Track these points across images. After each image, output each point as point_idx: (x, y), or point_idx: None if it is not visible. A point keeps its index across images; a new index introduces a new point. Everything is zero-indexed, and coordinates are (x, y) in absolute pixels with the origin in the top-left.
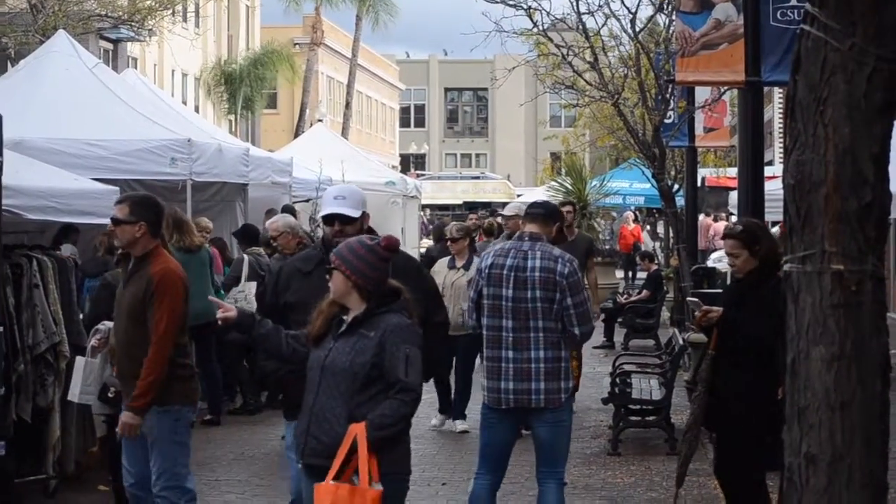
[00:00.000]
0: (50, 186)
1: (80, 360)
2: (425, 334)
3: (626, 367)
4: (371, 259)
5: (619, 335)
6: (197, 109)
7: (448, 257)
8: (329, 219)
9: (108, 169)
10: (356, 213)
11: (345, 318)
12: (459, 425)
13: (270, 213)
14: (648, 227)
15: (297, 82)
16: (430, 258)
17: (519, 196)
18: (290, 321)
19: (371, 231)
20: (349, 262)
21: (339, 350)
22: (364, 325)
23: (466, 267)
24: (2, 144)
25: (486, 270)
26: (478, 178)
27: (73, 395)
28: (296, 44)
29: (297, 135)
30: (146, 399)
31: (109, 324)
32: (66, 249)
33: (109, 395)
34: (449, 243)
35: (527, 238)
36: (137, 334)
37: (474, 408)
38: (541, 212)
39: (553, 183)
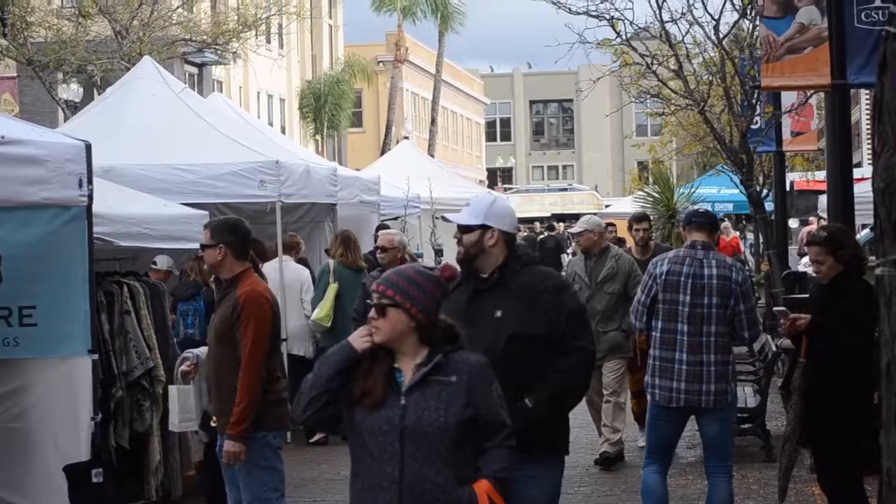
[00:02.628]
0: (140, 213)
1: (173, 389)
2: (563, 360)
3: None
4: (436, 292)
5: None
6: (283, 130)
7: None
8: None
9: (198, 193)
10: (470, 222)
11: (397, 366)
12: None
13: (381, 228)
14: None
15: (382, 99)
16: None
17: (607, 206)
18: None
19: (513, 250)
20: (411, 296)
21: (420, 406)
22: (439, 372)
23: None
24: (91, 172)
25: (663, 277)
26: (565, 189)
27: (174, 424)
28: (379, 61)
29: (383, 153)
30: (243, 425)
31: (198, 350)
32: (162, 262)
33: (212, 423)
34: None
35: (699, 247)
36: (225, 357)
37: None
38: (705, 220)
39: (641, 192)
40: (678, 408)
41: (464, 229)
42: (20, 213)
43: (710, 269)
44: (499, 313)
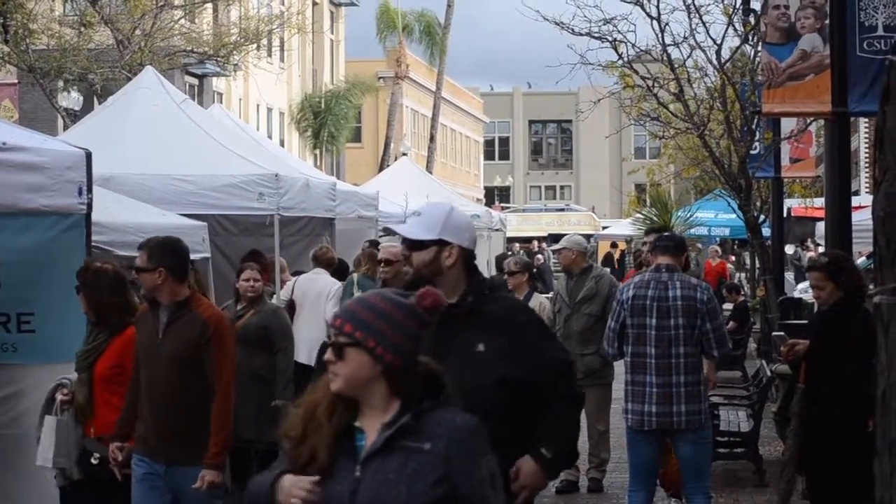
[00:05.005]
0: (139, 222)
1: (50, 420)
2: (558, 407)
3: (714, 399)
4: (411, 326)
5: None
6: (282, 144)
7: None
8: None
9: (196, 204)
10: (422, 236)
11: (358, 424)
12: None
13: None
14: (733, 259)
15: (382, 115)
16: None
17: (605, 228)
18: None
19: (474, 272)
20: (377, 332)
21: (378, 480)
22: (409, 435)
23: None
24: (91, 180)
25: (629, 301)
26: (563, 210)
27: (46, 459)
28: (380, 77)
29: (381, 168)
30: (224, 454)
31: (70, 376)
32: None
33: (93, 461)
34: (506, 277)
35: (664, 269)
36: (187, 384)
37: None
38: (671, 244)
39: (639, 214)
40: (651, 431)
41: (414, 245)
42: (20, 220)
43: (675, 290)
44: (481, 347)
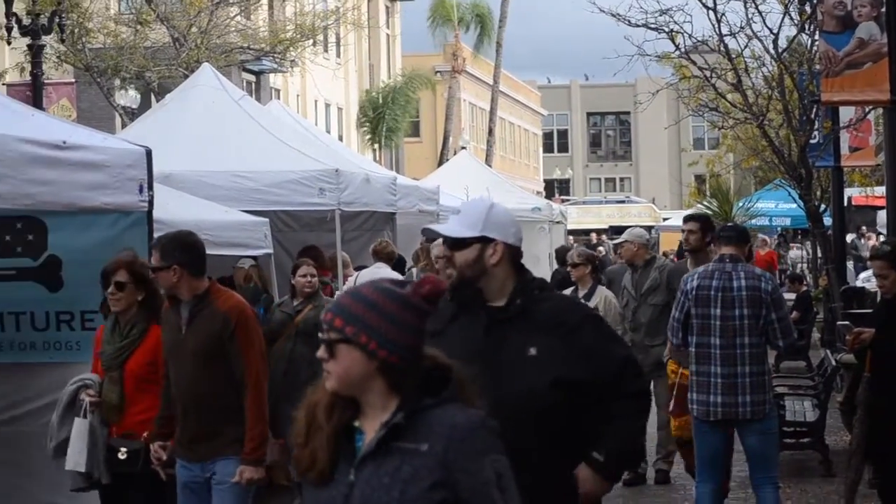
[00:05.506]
0: (200, 219)
1: (80, 423)
2: (622, 405)
3: (779, 389)
4: (408, 318)
5: (769, 357)
6: (340, 139)
7: (571, 288)
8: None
9: (257, 200)
10: (464, 234)
11: (358, 424)
12: None
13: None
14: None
15: (440, 109)
16: (556, 281)
17: (665, 219)
18: None
19: (521, 271)
20: (369, 326)
21: (371, 484)
22: (406, 435)
23: (588, 296)
24: (152, 178)
25: (693, 292)
26: (623, 201)
27: (78, 463)
28: (437, 72)
29: (440, 163)
30: (264, 447)
31: (90, 375)
32: (245, 263)
33: (121, 455)
34: (570, 269)
35: (728, 259)
36: (213, 379)
37: None
38: (734, 234)
39: (699, 205)
40: (717, 421)
41: (455, 244)
42: (81, 218)
43: (739, 280)
44: (533, 351)
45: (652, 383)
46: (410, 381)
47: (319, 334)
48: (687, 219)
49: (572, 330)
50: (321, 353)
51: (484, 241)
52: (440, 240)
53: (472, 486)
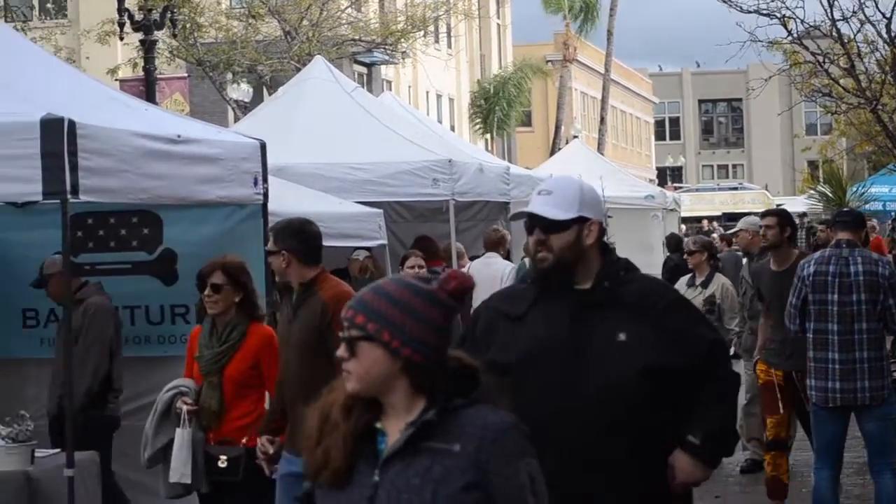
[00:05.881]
0: (315, 211)
1: (182, 433)
2: (714, 386)
3: None
4: (433, 315)
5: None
6: (452, 129)
7: (688, 275)
8: (527, 222)
9: (371, 192)
10: (564, 216)
11: (379, 426)
12: None
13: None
14: None
15: (551, 99)
16: (668, 268)
17: (779, 206)
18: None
19: (606, 251)
20: (393, 324)
21: (398, 486)
22: (436, 435)
23: (706, 283)
24: (266, 171)
25: (811, 278)
26: (736, 188)
27: (183, 475)
28: (548, 61)
29: (552, 152)
30: None
31: (185, 381)
32: (360, 254)
33: (221, 464)
34: (686, 256)
35: (844, 245)
36: (317, 370)
37: None
38: (850, 219)
39: (812, 191)
40: (835, 407)
41: (552, 227)
42: (196, 212)
43: (856, 265)
44: (622, 336)
45: None
46: (438, 380)
47: (339, 332)
48: (764, 214)
49: (661, 314)
50: (341, 351)
51: (580, 221)
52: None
53: (507, 489)
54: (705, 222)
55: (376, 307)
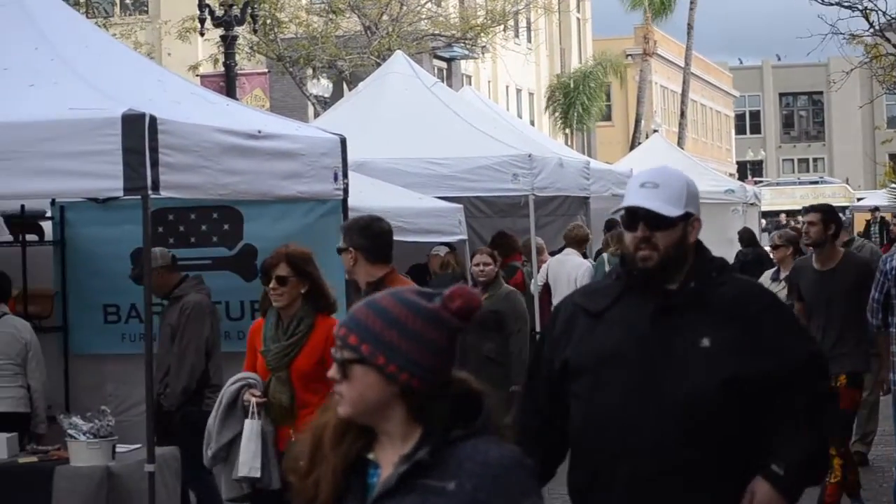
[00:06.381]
0: (395, 206)
1: (251, 425)
2: (792, 418)
3: None
4: (434, 336)
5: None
6: (532, 124)
7: (772, 269)
8: (628, 217)
9: (451, 187)
10: (675, 212)
11: (372, 456)
12: None
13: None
14: None
15: (631, 93)
16: (739, 263)
17: (860, 199)
18: (566, 399)
19: (701, 250)
20: (388, 345)
21: None
22: (431, 471)
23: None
24: (346, 166)
25: (893, 272)
26: (816, 182)
27: (253, 468)
28: (628, 55)
29: (632, 146)
30: None
31: (250, 374)
32: (440, 250)
33: None
34: (772, 250)
35: None
36: None
37: None
38: None
39: (893, 185)
40: None
41: (659, 223)
42: (276, 207)
43: None
44: (706, 342)
45: None
46: (437, 408)
47: (332, 351)
48: (808, 209)
49: (752, 320)
50: (332, 372)
51: (686, 217)
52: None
53: None
54: (783, 216)
55: (371, 326)
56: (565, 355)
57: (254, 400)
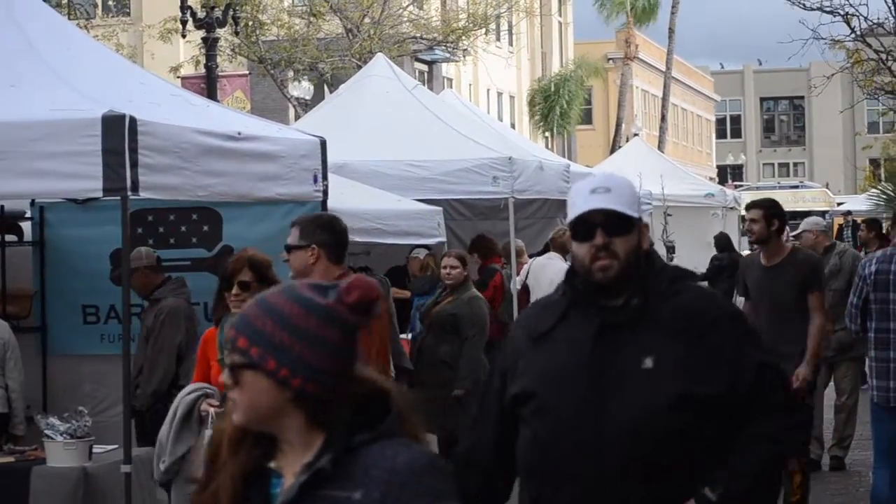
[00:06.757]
0: (374, 208)
1: (208, 436)
2: (768, 421)
3: None
4: (325, 333)
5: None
6: (513, 127)
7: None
8: (581, 225)
9: (431, 189)
10: (634, 214)
11: (274, 465)
12: None
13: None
14: None
15: (612, 96)
16: (713, 268)
17: (840, 204)
18: (514, 430)
19: (649, 258)
20: (278, 347)
21: None
22: (334, 480)
23: None
24: (326, 168)
25: (872, 276)
26: (797, 187)
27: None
28: (609, 59)
29: (613, 150)
30: None
31: (207, 385)
32: (420, 252)
33: None
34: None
35: None
36: None
37: None
38: None
39: (874, 190)
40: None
41: (620, 228)
42: (255, 209)
43: None
44: (648, 362)
45: (833, 368)
46: (338, 412)
47: (223, 356)
48: (749, 206)
49: (702, 332)
50: (224, 377)
51: (638, 222)
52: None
53: None
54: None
55: (261, 328)
56: (515, 384)
57: (212, 410)
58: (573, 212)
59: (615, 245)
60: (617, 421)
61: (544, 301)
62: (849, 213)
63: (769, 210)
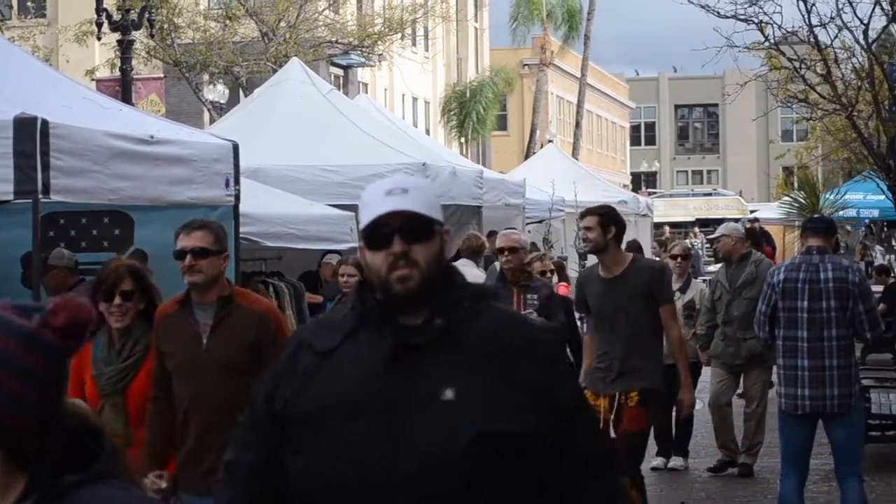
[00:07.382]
0: (286, 213)
1: None
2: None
3: (865, 382)
4: (25, 360)
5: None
6: (428, 133)
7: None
8: (376, 230)
9: (344, 195)
10: (437, 216)
11: None
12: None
13: (493, 235)
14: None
15: (527, 103)
16: None
17: (753, 212)
18: (291, 445)
19: (449, 271)
20: None
21: None
22: None
23: (683, 290)
24: (238, 172)
25: (781, 284)
26: (710, 194)
27: None
28: (525, 65)
29: (527, 156)
30: None
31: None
32: (333, 258)
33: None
34: (678, 262)
35: (815, 251)
36: (242, 395)
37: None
38: (822, 226)
39: (786, 197)
40: (804, 415)
41: (420, 233)
42: (167, 212)
43: (826, 272)
44: (449, 394)
45: (742, 375)
46: (43, 451)
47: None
48: (584, 213)
49: (509, 361)
50: None
51: (440, 228)
52: (509, 231)
53: None
54: (666, 229)
55: None
56: (286, 397)
57: None
58: (367, 215)
59: (415, 253)
60: (410, 458)
61: (332, 315)
62: (756, 220)
63: (604, 217)
